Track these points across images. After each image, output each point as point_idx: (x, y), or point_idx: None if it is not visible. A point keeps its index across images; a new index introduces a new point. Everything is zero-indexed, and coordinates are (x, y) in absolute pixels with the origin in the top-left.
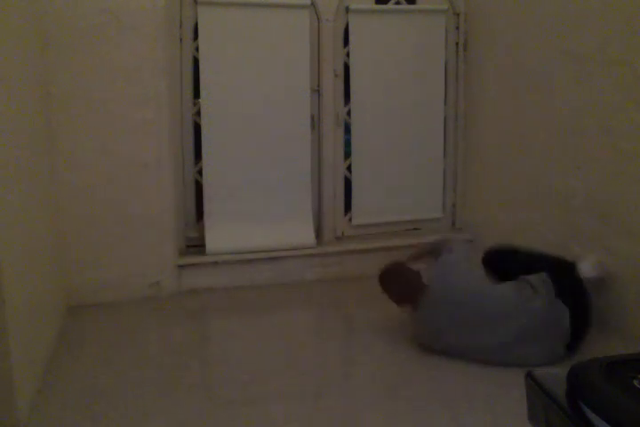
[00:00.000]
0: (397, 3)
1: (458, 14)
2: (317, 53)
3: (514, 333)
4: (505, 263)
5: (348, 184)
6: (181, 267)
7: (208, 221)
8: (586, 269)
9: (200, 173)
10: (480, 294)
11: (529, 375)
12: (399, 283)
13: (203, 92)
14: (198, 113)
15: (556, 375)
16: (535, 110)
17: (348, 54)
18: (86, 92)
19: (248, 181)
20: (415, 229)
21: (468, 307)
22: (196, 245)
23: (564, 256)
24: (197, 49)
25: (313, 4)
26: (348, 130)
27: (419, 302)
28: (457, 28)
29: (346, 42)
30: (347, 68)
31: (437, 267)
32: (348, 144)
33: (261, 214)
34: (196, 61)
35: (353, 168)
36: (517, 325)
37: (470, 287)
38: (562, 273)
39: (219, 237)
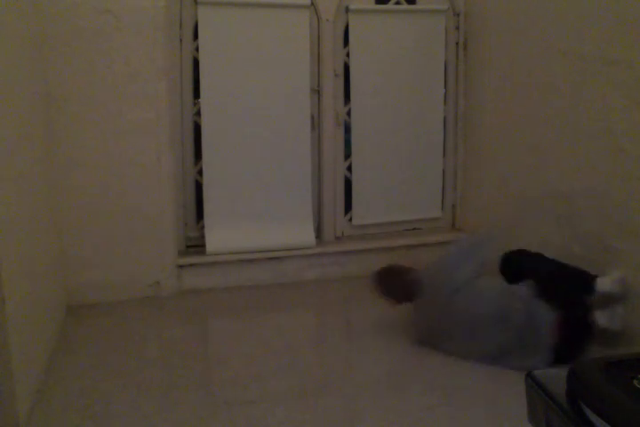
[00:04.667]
0: (397, 3)
1: (458, 14)
2: (317, 53)
3: (497, 343)
4: (523, 271)
5: (348, 184)
6: (181, 267)
7: (208, 221)
8: (604, 283)
9: (200, 173)
10: (465, 295)
11: (529, 375)
12: (394, 282)
13: (203, 92)
14: (198, 113)
15: (556, 375)
16: (535, 110)
17: (347, 54)
18: (86, 92)
19: (248, 181)
20: (415, 229)
21: (454, 307)
22: (196, 245)
23: (586, 269)
24: (197, 49)
25: (313, 4)
26: (348, 130)
27: (415, 301)
28: (457, 28)
29: (346, 42)
30: (347, 68)
31: (432, 266)
32: (347, 144)
33: (261, 214)
34: (196, 61)
35: (353, 168)
36: (502, 335)
37: (458, 286)
38: (574, 286)
39: (219, 237)
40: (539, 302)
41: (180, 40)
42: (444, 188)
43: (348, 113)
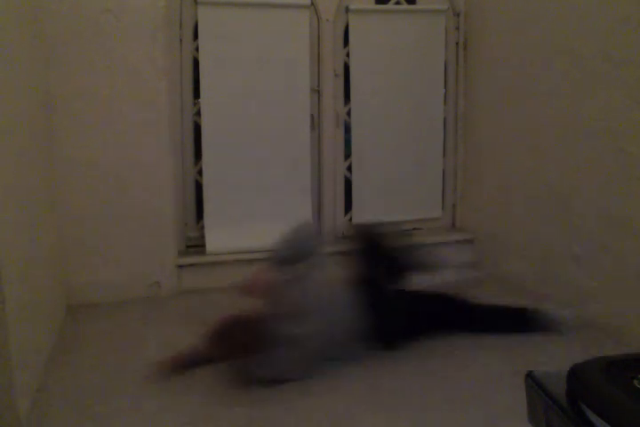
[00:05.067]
0: (397, 3)
1: (458, 14)
2: (317, 53)
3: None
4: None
5: (348, 184)
6: (181, 267)
7: (208, 221)
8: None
9: (200, 173)
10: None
11: (529, 375)
12: (240, 333)
13: (203, 92)
14: (198, 113)
15: (556, 375)
16: (535, 110)
17: (347, 54)
18: (86, 92)
19: (248, 181)
20: (415, 229)
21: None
22: (196, 245)
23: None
24: (197, 49)
25: (313, 4)
26: (348, 130)
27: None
28: (457, 27)
29: (346, 42)
30: (347, 68)
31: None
32: (347, 144)
33: (261, 214)
34: (196, 61)
35: (353, 168)
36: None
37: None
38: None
39: (219, 237)
40: (346, 293)
41: (180, 40)
42: (444, 188)
43: (348, 113)
